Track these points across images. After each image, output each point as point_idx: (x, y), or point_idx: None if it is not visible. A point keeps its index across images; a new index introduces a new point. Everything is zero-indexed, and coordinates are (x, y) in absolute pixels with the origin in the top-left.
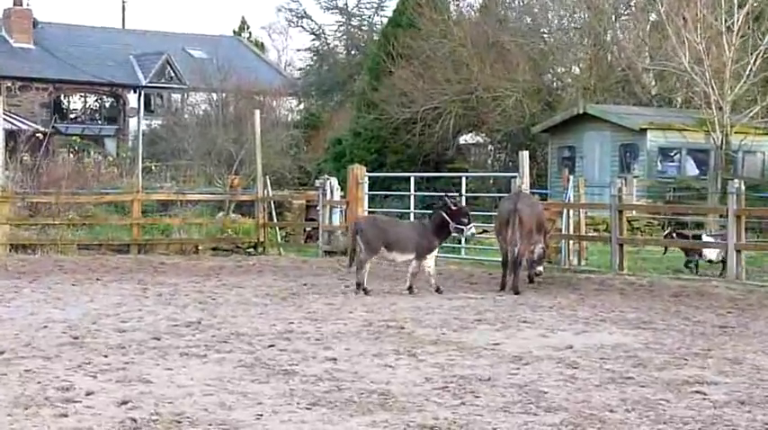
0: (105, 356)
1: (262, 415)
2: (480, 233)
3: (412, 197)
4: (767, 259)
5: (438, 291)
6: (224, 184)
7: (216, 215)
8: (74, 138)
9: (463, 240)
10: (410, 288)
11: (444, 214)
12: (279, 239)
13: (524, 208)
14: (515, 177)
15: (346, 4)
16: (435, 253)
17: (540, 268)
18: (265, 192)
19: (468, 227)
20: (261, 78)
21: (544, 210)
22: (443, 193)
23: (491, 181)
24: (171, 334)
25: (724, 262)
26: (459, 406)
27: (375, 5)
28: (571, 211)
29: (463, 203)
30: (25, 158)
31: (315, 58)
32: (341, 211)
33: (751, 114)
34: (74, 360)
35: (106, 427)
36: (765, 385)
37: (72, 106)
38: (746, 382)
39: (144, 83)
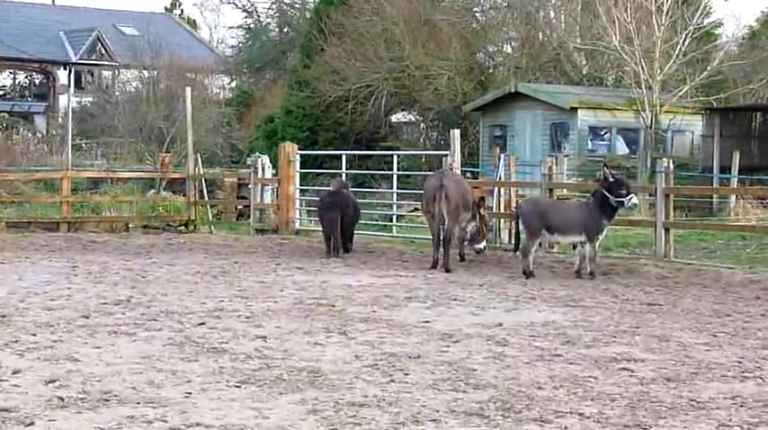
0: (33, 334)
1: (190, 393)
2: (412, 211)
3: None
4: (695, 237)
5: (592, 275)
6: (155, 162)
7: (147, 193)
8: (2, 114)
9: (394, 218)
10: (591, 273)
11: (603, 190)
12: (210, 217)
13: (450, 184)
14: (447, 155)
15: None
16: (604, 235)
17: (482, 245)
18: (196, 169)
19: (629, 197)
20: (193, 56)
21: (471, 188)
22: (604, 166)
23: (423, 159)
24: (100, 312)
25: None
26: (389, 383)
27: None
28: (502, 190)
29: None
30: None
31: (247, 35)
32: (272, 189)
33: (680, 94)
34: (1, 338)
35: (33, 406)
36: (691, 362)
37: (1, 83)
38: (673, 359)
39: (74, 59)
